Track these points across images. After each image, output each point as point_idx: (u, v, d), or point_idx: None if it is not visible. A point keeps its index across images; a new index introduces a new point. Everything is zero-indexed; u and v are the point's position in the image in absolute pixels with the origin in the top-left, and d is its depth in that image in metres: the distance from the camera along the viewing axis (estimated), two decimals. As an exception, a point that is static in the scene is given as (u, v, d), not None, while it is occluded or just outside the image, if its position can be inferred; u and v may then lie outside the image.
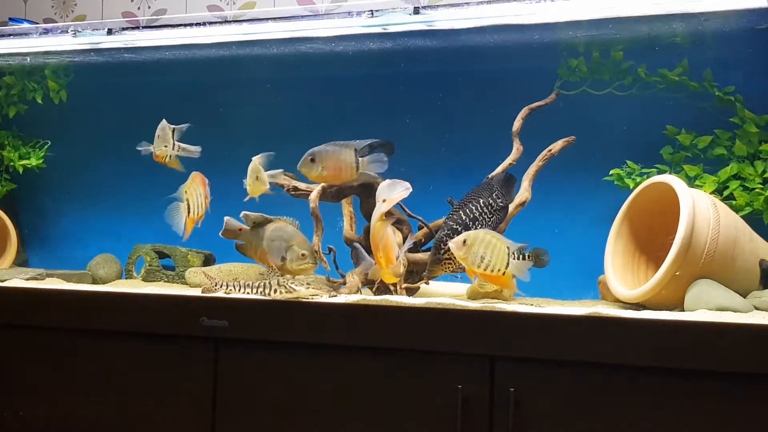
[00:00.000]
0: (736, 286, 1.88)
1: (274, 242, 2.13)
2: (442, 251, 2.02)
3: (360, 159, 2.10)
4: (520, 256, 1.89)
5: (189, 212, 2.17)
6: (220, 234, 2.21)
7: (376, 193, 2.01)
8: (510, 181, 2.17)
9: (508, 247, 1.90)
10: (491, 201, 2.10)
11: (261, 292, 1.95)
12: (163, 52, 2.79)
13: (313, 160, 2.10)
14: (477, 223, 2.07)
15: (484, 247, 1.89)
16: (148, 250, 2.65)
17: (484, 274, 1.90)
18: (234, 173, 2.22)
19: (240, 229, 2.19)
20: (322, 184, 2.21)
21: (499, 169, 2.23)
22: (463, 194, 2.19)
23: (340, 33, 2.52)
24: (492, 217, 2.08)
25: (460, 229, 2.04)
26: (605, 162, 2.38)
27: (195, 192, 2.17)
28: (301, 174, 2.14)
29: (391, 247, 1.92)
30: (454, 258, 1.95)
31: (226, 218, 2.20)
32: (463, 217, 2.07)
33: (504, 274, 1.90)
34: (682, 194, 1.92)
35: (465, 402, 1.69)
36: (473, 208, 2.08)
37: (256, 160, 2.16)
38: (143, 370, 1.98)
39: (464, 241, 1.91)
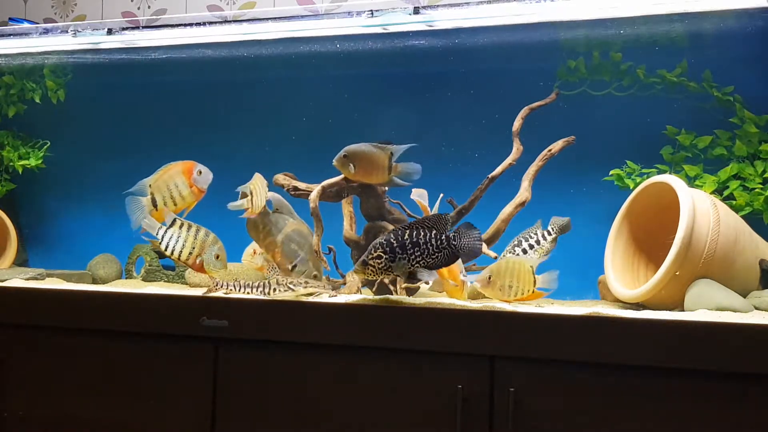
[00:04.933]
0: (736, 286, 1.88)
1: (292, 245, 2.13)
2: (371, 256, 1.85)
3: (393, 163, 2.10)
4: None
5: (155, 206, 2.11)
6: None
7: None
8: (471, 231, 1.87)
9: (531, 267, 1.91)
10: (444, 237, 1.86)
11: (261, 292, 1.95)
12: (163, 52, 2.79)
13: (346, 157, 2.11)
14: (417, 249, 1.84)
15: (510, 276, 1.90)
16: (148, 250, 2.64)
17: (516, 299, 1.91)
18: (234, 173, 2.22)
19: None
20: (322, 183, 2.21)
21: (499, 168, 2.22)
22: (462, 194, 2.19)
23: (340, 33, 2.52)
24: (437, 253, 1.85)
25: (395, 245, 1.84)
26: (605, 162, 2.38)
27: (165, 185, 2.12)
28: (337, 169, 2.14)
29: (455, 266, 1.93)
30: (378, 267, 1.84)
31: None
32: (405, 238, 1.85)
33: (533, 292, 1.92)
34: (682, 194, 1.92)
35: (465, 402, 1.69)
36: (423, 234, 1.85)
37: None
38: (143, 370, 1.98)
39: (489, 278, 1.91)
